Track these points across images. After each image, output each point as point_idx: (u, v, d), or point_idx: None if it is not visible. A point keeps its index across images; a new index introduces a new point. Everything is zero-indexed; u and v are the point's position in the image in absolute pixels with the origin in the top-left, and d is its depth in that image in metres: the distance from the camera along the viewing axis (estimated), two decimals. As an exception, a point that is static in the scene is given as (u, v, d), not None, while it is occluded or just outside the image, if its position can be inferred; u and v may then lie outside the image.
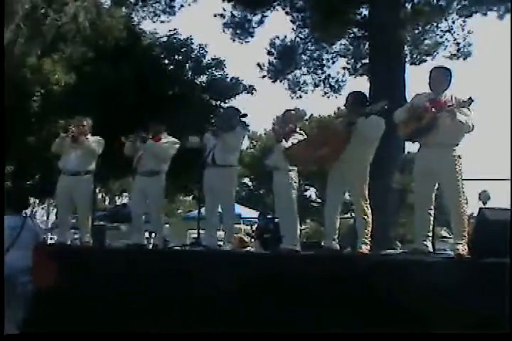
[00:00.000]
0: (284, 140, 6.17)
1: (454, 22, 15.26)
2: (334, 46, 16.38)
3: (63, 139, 7.05)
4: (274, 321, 4.94)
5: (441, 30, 15.56)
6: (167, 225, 12.27)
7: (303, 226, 23.81)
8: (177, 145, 6.96)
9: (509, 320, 4.07)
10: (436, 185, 5.18)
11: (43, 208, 34.76)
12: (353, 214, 6.21)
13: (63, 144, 7.05)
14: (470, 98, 4.88)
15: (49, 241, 16.39)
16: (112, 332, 5.25)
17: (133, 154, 7.00)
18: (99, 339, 5.31)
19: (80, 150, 6.98)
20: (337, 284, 4.83)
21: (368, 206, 5.52)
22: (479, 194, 9.93)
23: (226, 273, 5.29)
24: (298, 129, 6.35)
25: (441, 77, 5.23)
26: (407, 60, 14.64)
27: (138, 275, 5.73)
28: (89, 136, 7.11)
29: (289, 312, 4.94)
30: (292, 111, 6.51)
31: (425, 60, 15.78)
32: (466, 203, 5.07)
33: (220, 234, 6.82)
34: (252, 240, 11.46)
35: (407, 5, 14.35)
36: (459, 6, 14.81)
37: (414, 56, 15.76)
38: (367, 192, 5.53)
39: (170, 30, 16.99)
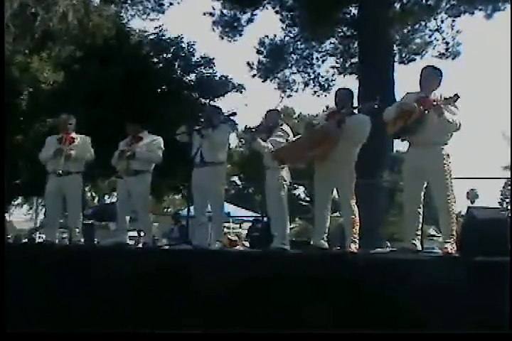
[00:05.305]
0: (260, 140, 6.13)
1: (442, 21, 15.33)
2: (323, 45, 16.41)
3: (52, 146, 7.02)
4: (264, 320, 4.93)
5: (430, 30, 15.64)
6: (156, 224, 12.27)
7: (292, 225, 23.82)
8: (161, 143, 6.93)
9: (509, 320, 4.06)
10: (425, 183, 5.20)
11: (31, 207, 34.64)
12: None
13: (52, 152, 7.00)
14: (456, 94, 4.90)
15: (37, 240, 16.40)
16: (110, 332, 5.22)
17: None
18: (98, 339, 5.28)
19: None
20: (325, 283, 4.83)
21: (355, 204, 5.52)
22: (467, 192, 9.98)
23: (215, 272, 5.28)
24: (282, 128, 6.31)
25: (431, 77, 5.23)
26: (396, 59, 14.71)
27: (125, 274, 5.70)
28: (74, 134, 7.08)
29: (278, 311, 4.93)
30: (271, 111, 6.49)
31: (414, 59, 15.84)
32: (455, 202, 5.08)
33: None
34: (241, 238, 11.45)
35: (396, 4, 14.41)
36: (448, 6, 14.88)
37: (403, 55, 15.81)
38: (353, 191, 5.53)
39: (157, 28, 16.92)
